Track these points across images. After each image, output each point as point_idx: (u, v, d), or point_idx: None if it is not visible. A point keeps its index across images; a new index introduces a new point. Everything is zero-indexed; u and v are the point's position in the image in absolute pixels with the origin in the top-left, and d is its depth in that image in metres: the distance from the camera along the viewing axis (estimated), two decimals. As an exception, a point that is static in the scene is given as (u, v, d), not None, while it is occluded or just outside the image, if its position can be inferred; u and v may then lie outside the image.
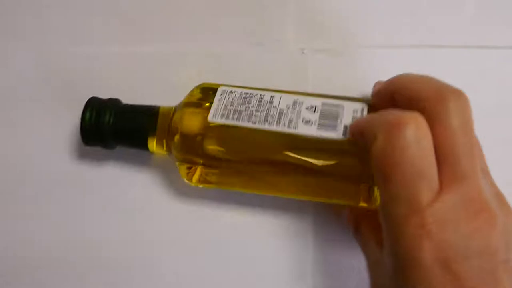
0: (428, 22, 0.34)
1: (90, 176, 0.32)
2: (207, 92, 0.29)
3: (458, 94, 0.22)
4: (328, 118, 0.27)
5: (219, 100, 0.28)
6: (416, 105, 0.23)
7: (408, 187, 0.21)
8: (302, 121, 0.27)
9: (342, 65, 0.34)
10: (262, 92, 0.28)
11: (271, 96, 0.28)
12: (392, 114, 0.22)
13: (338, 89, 0.33)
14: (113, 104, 0.30)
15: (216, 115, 0.27)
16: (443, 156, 0.21)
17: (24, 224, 0.31)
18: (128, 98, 0.31)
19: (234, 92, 0.28)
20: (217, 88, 0.29)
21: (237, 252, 0.30)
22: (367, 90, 0.33)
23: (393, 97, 0.25)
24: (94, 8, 0.36)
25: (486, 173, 0.24)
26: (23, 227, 0.31)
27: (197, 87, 0.30)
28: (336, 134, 0.26)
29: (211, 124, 0.27)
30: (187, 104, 0.29)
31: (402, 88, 0.25)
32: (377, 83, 0.29)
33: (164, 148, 0.29)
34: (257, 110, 0.27)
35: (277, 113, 0.27)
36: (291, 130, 0.26)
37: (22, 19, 0.36)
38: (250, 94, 0.28)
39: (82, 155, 0.33)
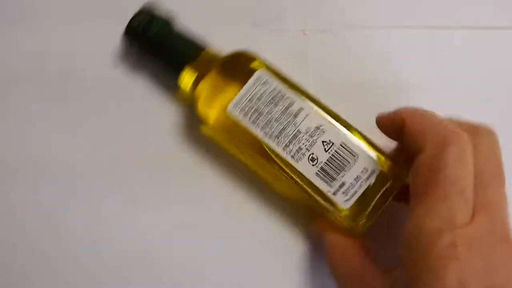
0: (432, 3, 0.33)
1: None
2: (244, 65, 0.28)
3: (490, 132, 0.24)
4: (333, 166, 0.26)
5: (249, 88, 0.27)
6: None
7: (448, 203, 0.21)
8: (309, 157, 0.26)
9: (343, 46, 0.32)
10: (295, 97, 0.27)
11: (299, 108, 0.27)
12: (443, 129, 0.23)
13: (338, 71, 0.32)
14: (167, 19, 0.30)
15: (237, 107, 0.27)
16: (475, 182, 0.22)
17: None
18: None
19: (268, 84, 0.27)
20: (254, 69, 0.27)
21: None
22: (368, 72, 0.32)
23: (401, 129, 0.25)
24: None
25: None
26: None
27: (237, 54, 0.28)
28: (327, 189, 0.26)
29: (227, 114, 0.27)
30: (217, 76, 0.28)
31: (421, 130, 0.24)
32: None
33: (189, 88, 0.30)
34: (276, 120, 0.27)
35: (293, 133, 0.27)
36: (292, 161, 0.27)
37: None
38: (282, 95, 0.27)
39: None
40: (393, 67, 0.32)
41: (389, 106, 0.27)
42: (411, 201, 0.23)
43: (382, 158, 0.26)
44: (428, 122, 0.24)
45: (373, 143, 0.27)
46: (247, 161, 0.30)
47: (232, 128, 0.27)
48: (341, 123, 0.27)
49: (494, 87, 0.32)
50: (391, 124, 0.26)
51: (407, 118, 0.25)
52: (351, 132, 0.27)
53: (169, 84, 0.32)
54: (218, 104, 0.28)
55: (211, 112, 0.28)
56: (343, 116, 0.28)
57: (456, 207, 0.21)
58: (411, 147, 0.24)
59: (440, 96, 0.32)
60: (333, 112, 0.27)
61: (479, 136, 0.23)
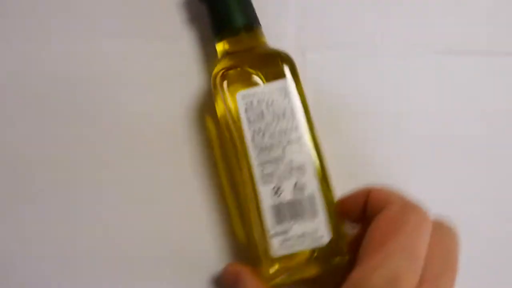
0: (437, 27, 0.32)
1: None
2: (278, 66, 0.26)
3: (452, 229, 0.24)
4: (290, 209, 0.25)
5: (268, 90, 0.25)
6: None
7: (397, 264, 0.21)
8: (275, 186, 0.25)
9: (342, 69, 0.31)
10: (301, 126, 0.25)
11: (297, 138, 0.25)
12: (408, 200, 0.23)
13: (335, 94, 0.31)
14: None
15: (246, 98, 0.25)
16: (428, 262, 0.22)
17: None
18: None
19: (287, 98, 0.25)
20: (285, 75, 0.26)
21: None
22: (366, 97, 0.31)
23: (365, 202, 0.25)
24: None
25: None
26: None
27: (281, 57, 0.26)
28: (270, 226, 0.25)
29: (234, 97, 0.25)
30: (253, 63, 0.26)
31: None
32: None
33: (220, 54, 0.28)
34: (270, 135, 0.25)
35: (276, 156, 0.25)
36: (257, 181, 0.25)
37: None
38: (291, 116, 0.25)
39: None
40: (393, 92, 0.31)
41: (388, 131, 0.29)
42: (360, 254, 0.22)
43: (339, 235, 0.25)
44: (394, 193, 0.24)
45: (341, 221, 0.25)
46: (221, 157, 0.28)
47: (229, 113, 0.26)
48: (324, 178, 0.25)
49: (497, 114, 0.31)
50: (356, 197, 0.25)
51: (374, 189, 0.25)
52: (327, 192, 0.25)
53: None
54: (234, 84, 0.26)
55: (224, 87, 0.26)
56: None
57: (404, 270, 0.20)
58: (373, 212, 0.23)
59: (440, 122, 0.31)
60: (325, 163, 0.26)
61: (440, 229, 0.23)
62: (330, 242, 0.25)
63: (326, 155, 0.26)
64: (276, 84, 0.25)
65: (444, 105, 0.31)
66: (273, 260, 0.25)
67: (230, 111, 0.25)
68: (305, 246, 0.24)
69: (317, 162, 0.25)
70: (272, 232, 0.24)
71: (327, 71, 0.31)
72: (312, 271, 0.25)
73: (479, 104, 0.31)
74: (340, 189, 0.26)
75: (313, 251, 0.25)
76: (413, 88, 0.31)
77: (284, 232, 0.24)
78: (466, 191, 0.30)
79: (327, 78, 0.31)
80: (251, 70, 0.26)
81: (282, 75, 0.26)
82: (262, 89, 0.25)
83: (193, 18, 0.31)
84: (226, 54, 0.27)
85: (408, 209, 0.22)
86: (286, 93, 0.25)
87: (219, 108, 0.26)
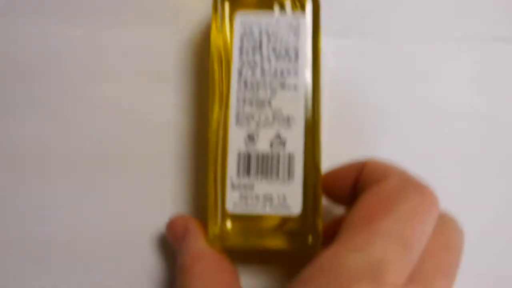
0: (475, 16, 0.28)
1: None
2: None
3: (458, 226, 0.19)
4: (261, 164, 0.21)
5: (277, 24, 0.21)
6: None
7: (388, 248, 0.16)
8: (250, 133, 0.21)
9: (367, 57, 0.27)
10: (303, 73, 0.21)
11: (294, 85, 0.21)
12: (414, 177, 0.19)
13: (358, 82, 0.27)
14: None
15: (244, 23, 0.21)
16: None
17: None
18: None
19: (297, 36, 0.21)
20: (304, 10, 0.21)
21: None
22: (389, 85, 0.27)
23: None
24: None
25: None
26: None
27: None
28: (231, 175, 0.21)
29: (233, 17, 0.21)
30: None
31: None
32: None
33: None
34: (262, 71, 0.21)
35: (262, 99, 0.21)
36: (232, 120, 0.21)
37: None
38: (293, 57, 0.21)
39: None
40: (419, 86, 0.27)
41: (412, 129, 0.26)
42: (338, 234, 0.18)
43: (314, 210, 0.20)
44: (396, 167, 0.19)
45: (319, 194, 0.21)
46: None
47: (223, 37, 0.22)
48: (312, 140, 0.21)
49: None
50: (347, 170, 0.20)
51: (370, 162, 0.20)
52: (312, 157, 0.21)
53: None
54: (241, 3, 0.22)
55: (226, 3, 0.22)
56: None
57: (391, 258, 0.16)
58: (364, 187, 0.19)
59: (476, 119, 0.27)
60: (319, 124, 0.21)
61: (445, 222, 0.18)
62: (303, 216, 0.20)
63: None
64: (289, 18, 0.21)
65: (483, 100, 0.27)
66: (229, 217, 0.21)
67: (224, 34, 0.22)
68: (268, 210, 0.20)
69: (310, 119, 0.21)
70: (233, 182, 0.21)
71: (343, 60, 0.27)
72: (272, 243, 0.21)
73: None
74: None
75: (279, 220, 0.21)
76: (448, 79, 0.27)
77: (248, 186, 0.21)
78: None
79: (343, 68, 0.27)
80: None
81: (303, 5, 0.21)
82: (270, 18, 0.21)
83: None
84: None
85: (410, 186, 0.18)
86: (297, 30, 0.21)
87: (213, 32, 0.22)
